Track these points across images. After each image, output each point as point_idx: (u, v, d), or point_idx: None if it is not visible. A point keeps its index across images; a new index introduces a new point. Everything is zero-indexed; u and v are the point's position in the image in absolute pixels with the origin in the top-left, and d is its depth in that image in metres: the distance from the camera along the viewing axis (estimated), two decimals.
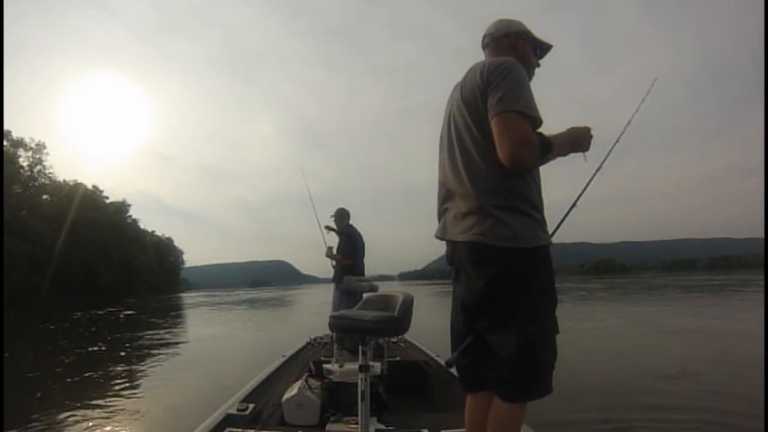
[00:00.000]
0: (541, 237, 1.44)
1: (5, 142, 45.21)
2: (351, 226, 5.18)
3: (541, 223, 1.47)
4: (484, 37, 1.69)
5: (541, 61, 1.70)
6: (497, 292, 1.42)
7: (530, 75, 1.63)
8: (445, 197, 1.59)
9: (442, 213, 1.61)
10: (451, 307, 1.65)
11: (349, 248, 5.03)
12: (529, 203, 1.43)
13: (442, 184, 1.62)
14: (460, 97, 1.52)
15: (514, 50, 1.60)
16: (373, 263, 5.27)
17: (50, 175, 51.49)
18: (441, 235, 1.59)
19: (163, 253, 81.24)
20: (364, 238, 5.27)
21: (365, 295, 2.19)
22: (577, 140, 1.53)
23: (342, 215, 5.17)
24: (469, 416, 1.62)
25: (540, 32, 1.68)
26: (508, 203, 1.40)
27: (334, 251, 5.06)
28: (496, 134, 1.36)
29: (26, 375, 6.25)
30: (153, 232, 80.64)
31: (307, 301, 31.18)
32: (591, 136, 1.55)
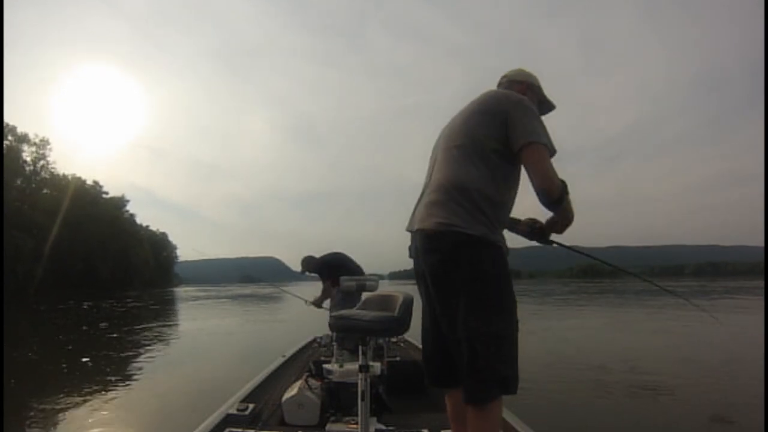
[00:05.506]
0: (490, 235, 1.47)
1: (10, 137, 46.32)
2: (316, 260, 5.14)
3: (494, 224, 1.50)
4: (502, 77, 1.85)
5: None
6: (441, 282, 1.49)
7: None
8: (421, 194, 1.67)
9: (414, 208, 1.67)
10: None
11: (325, 273, 4.99)
12: (491, 205, 1.48)
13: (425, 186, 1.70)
14: (473, 110, 1.62)
15: (523, 95, 1.70)
16: (363, 262, 5.32)
17: (52, 170, 52.51)
18: (408, 227, 1.66)
19: (158, 247, 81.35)
20: (350, 248, 5.29)
21: (365, 295, 2.19)
22: (568, 222, 1.64)
23: (308, 262, 5.13)
24: (450, 413, 1.67)
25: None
26: (469, 199, 1.47)
27: (320, 292, 5.08)
28: (531, 162, 1.50)
29: (26, 374, 6.20)
30: (148, 226, 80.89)
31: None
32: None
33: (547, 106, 1.85)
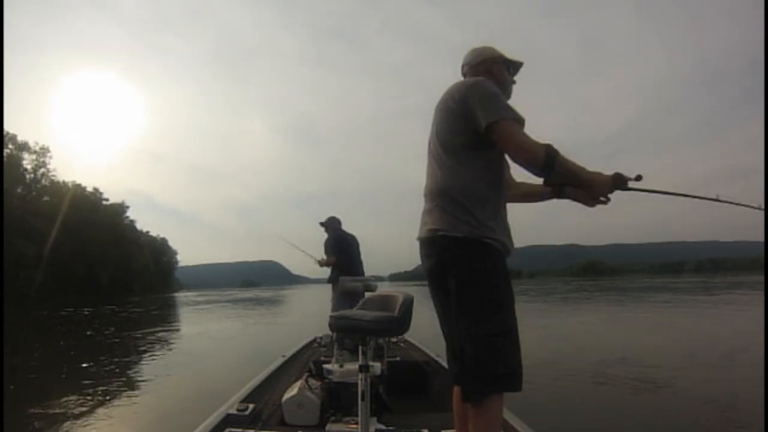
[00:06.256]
0: (475, 232, 1.47)
1: (10, 146, 46.91)
2: (339, 230, 5.33)
3: (481, 221, 1.49)
4: (463, 66, 1.82)
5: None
6: (438, 286, 1.56)
7: (508, 92, 1.76)
8: (424, 201, 1.70)
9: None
10: None
11: (331, 246, 5.16)
12: (475, 201, 1.49)
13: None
14: (436, 110, 1.66)
15: (491, 74, 1.72)
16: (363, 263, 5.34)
17: (53, 177, 53.19)
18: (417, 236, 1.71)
19: (158, 253, 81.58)
20: (359, 240, 5.39)
21: (366, 295, 2.20)
22: (587, 179, 1.45)
23: (332, 222, 5.35)
24: (455, 406, 1.68)
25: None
26: (451, 202, 1.51)
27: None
28: (501, 142, 1.48)
29: (28, 377, 6.19)
30: (148, 232, 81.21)
31: (301, 300, 31.24)
32: (605, 189, 1.45)
33: (515, 67, 1.80)
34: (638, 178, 1.42)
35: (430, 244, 1.56)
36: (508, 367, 1.43)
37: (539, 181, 1.50)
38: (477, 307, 1.45)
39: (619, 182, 1.44)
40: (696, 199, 1.57)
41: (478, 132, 1.49)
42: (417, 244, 1.68)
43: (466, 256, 1.47)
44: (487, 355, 1.42)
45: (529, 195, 1.88)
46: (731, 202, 1.53)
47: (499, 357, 1.43)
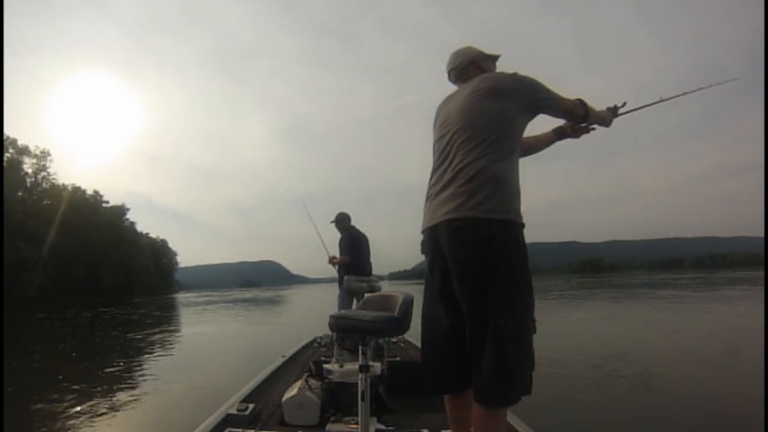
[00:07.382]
0: (514, 211, 1.46)
1: (11, 150, 47.40)
2: (352, 227, 5.29)
3: (517, 209, 1.49)
4: (450, 72, 1.82)
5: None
6: (473, 278, 1.43)
7: None
8: (432, 194, 1.61)
9: (432, 200, 1.61)
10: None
11: (347, 246, 5.11)
12: (506, 183, 1.48)
13: (433, 185, 1.63)
14: (463, 103, 1.60)
15: (482, 71, 1.73)
16: None
17: (53, 180, 53.75)
18: (425, 225, 1.61)
19: (158, 254, 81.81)
20: (369, 240, 5.35)
21: (366, 295, 2.19)
22: (605, 119, 1.90)
23: (342, 220, 5.30)
24: (451, 414, 1.65)
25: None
26: (485, 182, 1.45)
27: (336, 254, 5.17)
28: (558, 113, 1.73)
29: (26, 376, 6.23)
30: (148, 234, 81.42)
31: (300, 300, 31.38)
32: (611, 119, 1.93)
33: (494, 59, 1.84)
34: (623, 104, 1.96)
35: (469, 230, 1.43)
36: (532, 369, 1.42)
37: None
38: (516, 307, 1.41)
39: (614, 111, 1.94)
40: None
41: (521, 115, 1.60)
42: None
43: (511, 252, 1.42)
44: (524, 358, 1.39)
45: (531, 147, 1.92)
46: (708, 86, 2.17)
47: (530, 359, 1.40)
